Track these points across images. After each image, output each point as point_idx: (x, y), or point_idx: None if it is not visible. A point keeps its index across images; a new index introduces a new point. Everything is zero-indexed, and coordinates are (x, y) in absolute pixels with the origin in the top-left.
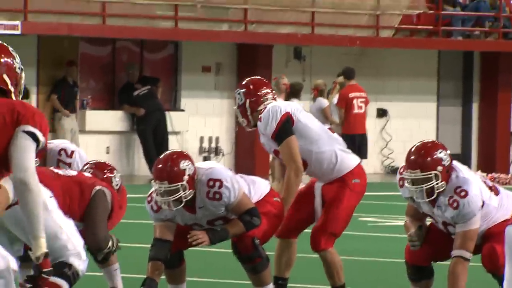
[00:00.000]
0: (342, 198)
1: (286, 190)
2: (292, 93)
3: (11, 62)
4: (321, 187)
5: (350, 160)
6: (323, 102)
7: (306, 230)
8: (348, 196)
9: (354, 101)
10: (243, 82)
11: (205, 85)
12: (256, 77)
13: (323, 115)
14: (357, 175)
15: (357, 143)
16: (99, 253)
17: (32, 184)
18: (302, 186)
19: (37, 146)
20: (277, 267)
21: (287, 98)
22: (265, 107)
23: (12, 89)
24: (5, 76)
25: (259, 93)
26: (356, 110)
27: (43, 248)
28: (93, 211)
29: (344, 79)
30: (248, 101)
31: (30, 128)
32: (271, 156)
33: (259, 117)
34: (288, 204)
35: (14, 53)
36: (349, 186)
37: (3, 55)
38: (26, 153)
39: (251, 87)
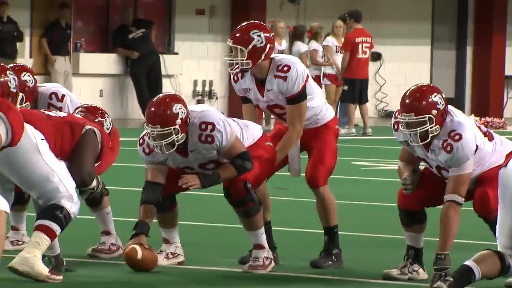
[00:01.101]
0: (330, 141)
1: (283, 148)
2: (296, 35)
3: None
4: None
5: (331, 110)
6: (301, 47)
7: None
8: (333, 139)
9: (360, 45)
10: (258, 24)
11: (199, 28)
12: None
13: (302, 59)
14: (337, 122)
15: (358, 87)
16: (83, 190)
17: None
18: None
19: None
20: None
21: (291, 41)
22: (284, 63)
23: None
24: None
25: (274, 41)
26: (360, 55)
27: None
28: (80, 147)
29: (350, 22)
30: (268, 46)
31: None
32: None
33: (282, 75)
34: (280, 159)
35: (12, 75)
36: (333, 131)
37: (2, 75)
38: None
39: (270, 33)
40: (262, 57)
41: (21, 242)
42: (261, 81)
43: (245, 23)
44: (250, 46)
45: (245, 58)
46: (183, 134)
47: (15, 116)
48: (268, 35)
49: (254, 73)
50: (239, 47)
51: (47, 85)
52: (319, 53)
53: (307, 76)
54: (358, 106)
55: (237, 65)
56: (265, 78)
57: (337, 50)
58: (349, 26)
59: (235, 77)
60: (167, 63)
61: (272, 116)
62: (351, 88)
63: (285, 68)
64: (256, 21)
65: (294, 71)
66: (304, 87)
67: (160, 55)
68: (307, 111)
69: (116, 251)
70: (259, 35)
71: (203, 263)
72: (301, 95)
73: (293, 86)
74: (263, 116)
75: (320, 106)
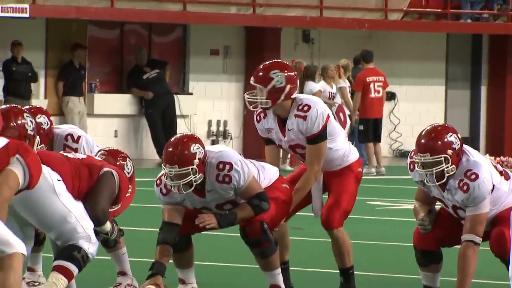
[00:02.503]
0: (350, 183)
1: (301, 189)
2: (308, 76)
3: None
4: (322, 175)
5: (355, 152)
6: (314, 86)
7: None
8: (354, 182)
9: (371, 85)
10: (280, 64)
11: (213, 68)
12: (284, 61)
13: None
14: (360, 165)
15: (373, 127)
16: (96, 232)
17: None
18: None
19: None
20: None
21: (302, 81)
22: (305, 102)
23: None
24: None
25: (296, 80)
26: (373, 94)
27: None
28: (96, 187)
29: (362, 62)
30: (289, 86)
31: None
32: None
33: (302, 115)
34: (296, 203)
35: (29, 118)
36: (355, 173)
37: (19, 118)
38: None
39: (293, 73)
40: (282, 97)
41: (37, 283)
42: (283, 121)
43: (268, 62)
44: (270, 86)
45: (265, 97)
46: (200, 174)
47: (33, 159)
48: (289, 74)
49: (276, 112)
50: (258, 85)
51: (63, 126)
52: (326, 93)
53: (328, 117)
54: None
55: (257, 104)
56: (287, 117)
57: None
58: (362, 67)
59: (258, 117)
60: (182, 103)
61: (288, 155)
62: (366, 128)
63: (305, 108)
64: (278, 61)
65: (314, 110)
66: (324, 127)
67: (174, 96)
68: (331, 154)
69: None
70: (279, 76)
71: None
72: (321, 135)
73: (312, 126)
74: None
75: (343, 148)
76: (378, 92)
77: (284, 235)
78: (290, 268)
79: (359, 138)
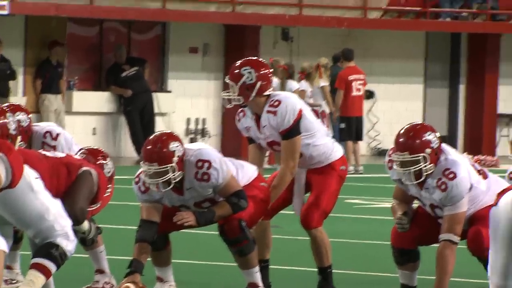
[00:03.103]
0: (331, 182)
1: (277, 186)
2: (289, 74)
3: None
4: (305, 172)
5: (338, 150)
6: (293, 85)
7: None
8: (336, 180)
9: (353, 83)
10: (252, 61)
11: (192, 66)
12: (261, 59)
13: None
14: (343, 163)
15: (354, 125)
16: (74, 230)
17: None
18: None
19: None
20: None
21: (283, 80)
22: (276, 98)
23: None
24: None
25: (270, 77)
26: (354, 93)
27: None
28: (74, 185)
29: (342, 61)
30: (259, 83)
31: None
32: None
33: (272, 110)
34: (273, 200)
35: (11, 117)
36: (337, 172)
37: (1, 118)
38: None
39: (264, 70)
40: (253, 94)
41: (14, 281)
42: (260, 118)
43: (243, 59)
44: (240, 83)
45: (236, 94)
46: (179, 172)
47: (15, 157)
48: (261, 72)
49: (253, 110)
50: (230, 82)
51: (41, 124)
52: (307, 93)
53: (300, 111)
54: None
55: (230, 101)
56: None
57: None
58: (341, 65)
59: (237, 117)
60: (160, 101)
61: (266, 153)
62: (348, 126)
63: (276, 103)
64: (252, 58)
65: (283, 105)
66: (295, 122)
67: (153, 93)
68: (310, 150)
69: None
70: (250, 72)
71: None
72: (293, 130)
73: (283, 120)
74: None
75: (324, 144)
76: (359, 90)
77: (265, 233)
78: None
79: (341, 137)
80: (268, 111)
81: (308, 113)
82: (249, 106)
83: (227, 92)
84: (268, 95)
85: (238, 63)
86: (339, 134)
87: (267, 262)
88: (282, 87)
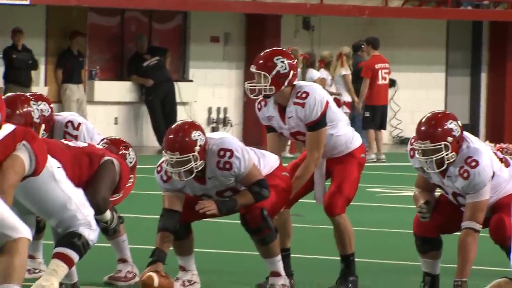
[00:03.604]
0: (353, 169)
1: (301, 176)
2: (310, 63)
3: (30, 114)
4: (325, 160)
5: (357, 138)
6: (314, 74)
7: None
8: (357, 168)
9: (379, 72)
10: (282, 51)
11: (213, 56)
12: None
13: None
14: (363, 151)
15: (379, 114)
16: (98, 218)
17: None
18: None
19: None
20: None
21: (304, 69)
22: (304, 90)
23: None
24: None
25: (297, 68)
26: (380, 81)
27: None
28: (97, 175)
29: (368, 48)
30: (292, 72)
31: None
32: None
33: (300, 102)
34: (296, 190)
35: (35, 106)
36: (358, 160)
37: (25, 106)
38: None
39: (293, 61)
40: (286, 84)
41: (37, 271)
42: (283, 108)
43: (268, 50)
44: (274, 72)
45: (268, 84)
46: (201, 161)
47: (39, 145)
48: (291, 61)
49: (277, 100)
50: (262, 73)
51: (63, 113)
52: (327, 81)
53: (327, 103)
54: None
55: (259, 92)
56: (287, 105)
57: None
58: (367, 53)
59: (259, 106)
60: (182, 90)
61: (288, 143)
62: (373, 115)
63: (304, 95)
64: (279, 48)
65: (312, 97)
66: (323, 114)
67: (174, 83)
68: (332, 140)
69: (133, 278)
70: (283, 61)
71: None
72: (320, 122)
73: (311, 113)
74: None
75: (345, 134)
76: (385, 79)
77: (286, 222)
78: (291, 255)
79: (364, 125)
80: (296, 103)
81: (332, 104)
82: (275, 96)
83: (252, 82)
84: (293, 85)
85: (267, 52)
86: (363, 122)
87: (288, 251)
88: (303, 76)
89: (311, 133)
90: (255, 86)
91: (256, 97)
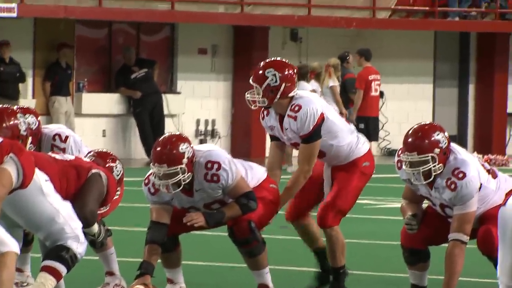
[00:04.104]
0: (352, 179)
1: (290, 188)
2: (301, 75)
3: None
4: (331, 169)
5: (362, 146)
6: (305, 86)
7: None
8: (358, 177)
9: (372, 83)
10: (276, 62)
11: (201, 68)
12: (284, 60)
13: None
14: (367, 158)
15: (370, 126)
16: (85, 231)
17: None
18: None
19: None
20: (309, 244)
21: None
22: (297, 102)
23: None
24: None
25: (294, 79)
26: (372, 93)
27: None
28: (85, 188)
29: (361, 60)
30: (284, 85)
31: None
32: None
33: (292, 115)
34: (285, 202)
35: (22, 118)
36: (359, 168)
37: (12, 118)
38: None
39: (289, 71)
40: (278, 96)
41: (25, 284)
42: (283, 119)
43: (266, 60)
44: (264, 85)
45: (261, 95)
46: (189, 173)
47: (26, 158)
48: (285, 73)
49: (277, 110)
50: (254, 84)
51: (51, 126)
52: (317, 93)
53: (321, 115)
54: None
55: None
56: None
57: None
58: (359, 64)
59: (262, 115)
60: (170, 102)
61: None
62: (366, 126)
63: (296, 108)
64: (277, 59)
65: (304, 111)
66: (315, 127)
67: (162, 95)
68: (334, 150)
69: None
70: (274, 74)
71: None
72: (313, 136)
73: (303, 126)
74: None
75: (348, 143)
76: (376, 90)
77: (312, 224)
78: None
79: None
80: (289, 115)
81: (331, 114)
82: (273, 107)
83: (251, 93)
84: (292, 97)
85: (262, 64)
86: None
87: (323, 249)
88: None
89: (303, 146)
90: (252, 98)
91: (255, 108)
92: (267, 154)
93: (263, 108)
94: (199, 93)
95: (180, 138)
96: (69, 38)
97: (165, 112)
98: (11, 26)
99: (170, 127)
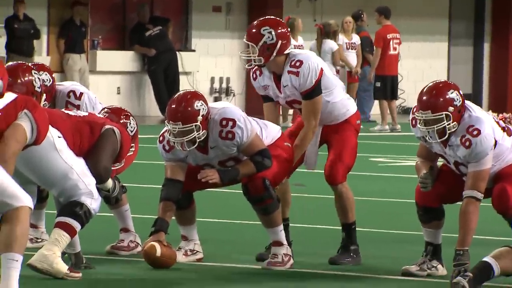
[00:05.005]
0: (351, 136)
1: (300, 145)
2: (326, 33)
3: (32, 83)
4: (321, 128)
5: (353, 105)
6: (334, 45)
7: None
8: (355, 135)
9: (391, 42)
10: (270, 20)
11: (215, 25)
12: (276, 18)
13: (333, 58)
14: (358, 116)
15: (390, 84)
16: (100, 187)
17: None
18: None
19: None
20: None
21: (320, 39)
22: (297, 58)
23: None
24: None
25: (288, 36)
26: (391, 51)
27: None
28: (98, 144)
29: (380, 18)
30: (280, 42)
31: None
32: None
33: (294, 71)
34: (297, 157)
35: (36, 75)
36: (354, 126)
37: (27, 75)
38: None
39: (282, 28)
40: (274, 54)
41: (40, 240)
42: (278, 77)
43: (260, 19)
44: (261, 43)
45: (257, 54)
46: (204, 130)
47: (40, 114)
48: (280, 31)
49: (271, 69)
50: (250, 43)
51: (65, 83)
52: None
53: (321, 71)
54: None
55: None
56: (282, 74)
57: (347, 47)
58: (378, 22)
59: (254, 75)
60: (184, 60)
61: (290, 112)
62: (383, 85)
63: (297, 64)
64: (270, 17)
65: (306, 66)
66: (317, 82)
67: (177, 52)
68: (329, 107)
69: (135, 248)
70: (270, 32)
71: (221, 260)
72: (315, 90)
73: (305, 81)
74: (281, 113)
75: (340, 101)
76: (395, 49)
77: (286, 192)
78: (291, 224)
79: (376, 95)
80: (290, 72)
81: (327, 70)
82: (268, 65)
83: (246, 52)
84: (287, 54)
85: (256, 23)
86: (374, 92)
87: (287, 221)
88: (318, 47)
89: (306, 102)
90: (247, 56)
91: (250, 67)
92: (280, 111)
93: (254, 68)
94: (214, 51)
95: (195, 95)
96: None
97: (180, 69)
98: None
99: (184, 85)
